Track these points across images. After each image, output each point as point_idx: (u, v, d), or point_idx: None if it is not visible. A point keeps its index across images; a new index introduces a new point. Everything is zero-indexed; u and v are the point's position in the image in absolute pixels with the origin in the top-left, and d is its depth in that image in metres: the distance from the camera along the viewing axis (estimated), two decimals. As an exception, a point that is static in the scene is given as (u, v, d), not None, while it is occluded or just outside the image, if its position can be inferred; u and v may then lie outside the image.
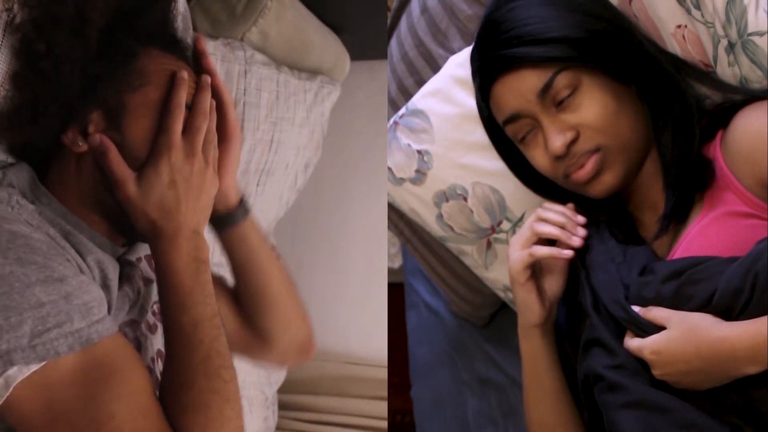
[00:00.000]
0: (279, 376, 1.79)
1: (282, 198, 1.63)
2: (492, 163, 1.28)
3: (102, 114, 1.00)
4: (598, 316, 1.07)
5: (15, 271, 0.84)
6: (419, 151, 1.35)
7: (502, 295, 1.42)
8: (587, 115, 1.07)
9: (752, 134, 1.02)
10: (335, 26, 1.65)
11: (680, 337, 0.98)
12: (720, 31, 1.09)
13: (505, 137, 1.16)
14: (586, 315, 1.10)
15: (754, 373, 0.94)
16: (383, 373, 1.77)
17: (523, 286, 1.12)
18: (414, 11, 1.53)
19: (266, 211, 1.59)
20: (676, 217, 1.08)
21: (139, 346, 1.02)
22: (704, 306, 0.98)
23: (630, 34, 1.12)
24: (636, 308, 1.03)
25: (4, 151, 1.04)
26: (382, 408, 1.77)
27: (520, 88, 1.09)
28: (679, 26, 1.13)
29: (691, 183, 1.07)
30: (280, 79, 1.50)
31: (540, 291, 1.13)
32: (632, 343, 1.02)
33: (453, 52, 1.41)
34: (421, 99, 1.37)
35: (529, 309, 1.13)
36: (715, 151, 1.06)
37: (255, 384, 1.69)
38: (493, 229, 1.34)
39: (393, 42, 1.60)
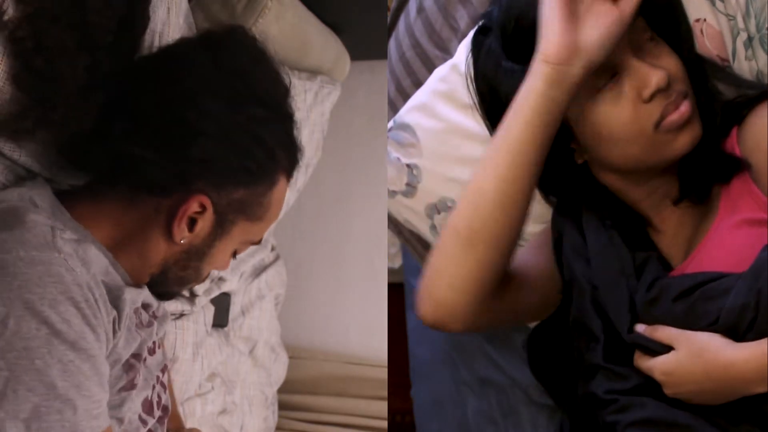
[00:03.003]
0: (279, 376, 1.79)
1: (282, 198, 1.63)
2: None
3: (214, 218, 1.00)
4: (606, 339, 1.04)
5: (44, 342, 0.83)
6: (408, 165, 1.33)
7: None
8: (671, 63, 0.98)
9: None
10: (335, 26, 1.65)
11: (688, 359, 0.97)
12: (740, 24, 1.08)
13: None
14: (588, 337, 1.06)
15: (763, 392, 0.93)
16: (383, 373, 1.77)
17: None
18: (411, 11, 1.53)
19: (266, 211, 1.59)
20: (694, 199, 1.03)
21: (138, 374, 1.03)
22: (713, 324, 0.97)
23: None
24: (641, 327, 1.02)
25: (32, 158, 1.01)
26: (382, 408, 1.77)
27: None
28: (697, 20, 1.11)
29: (711, 172, 1.02)
30: (280, 79, 1.50)
31: (570, 23, 0.93)
32: (643, 363, 1.01)
33: (448, 53, 1.40)
34: (407, 113, 1.35)
35: (547, 30, 0.93)
36: (733, 148, 1.02)
37: (255, 384, 1.69)
38: None
39: (391, 42, 1.59)
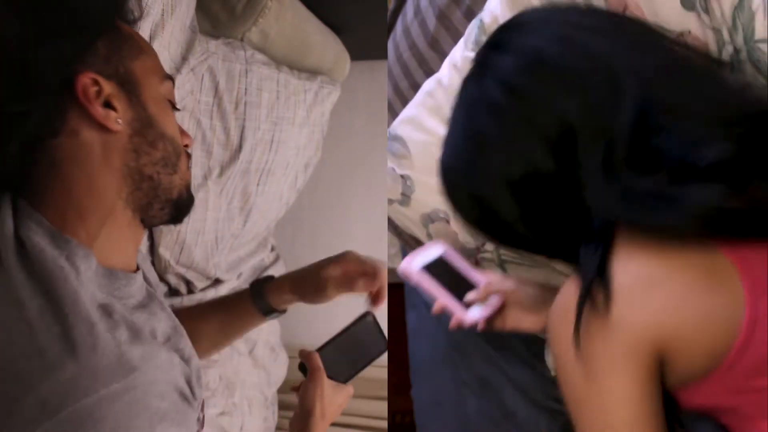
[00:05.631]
0: (279, 376, 1.78)
1: (282, 198, 1.63)
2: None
3: (116, 85, 0.91)
4: None
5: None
6: (402, 176, 1.35)
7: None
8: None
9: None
10: (335, 26, 1.65)
11: None
12: (726, 37, 1.09)
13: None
14: None
15: None
16: (383, 373, 1.77)
17: None
18: (408, 13, 1.53)
19: (266, 210, 1.59)
20: None
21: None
22: None
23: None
24: None
25: None
26: (382, 408, 1.77)
27: None
28: (681, 33, 1.13)
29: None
30: (280, 78, 1.50)
31: None
32: None
33: (444, 55, 1.40)
34: (399, 125, 1.37)
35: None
36: None
37: (255, 384, 1.69)
38: (478, 249, 1.34)
39: (389, 44, 1.59)
